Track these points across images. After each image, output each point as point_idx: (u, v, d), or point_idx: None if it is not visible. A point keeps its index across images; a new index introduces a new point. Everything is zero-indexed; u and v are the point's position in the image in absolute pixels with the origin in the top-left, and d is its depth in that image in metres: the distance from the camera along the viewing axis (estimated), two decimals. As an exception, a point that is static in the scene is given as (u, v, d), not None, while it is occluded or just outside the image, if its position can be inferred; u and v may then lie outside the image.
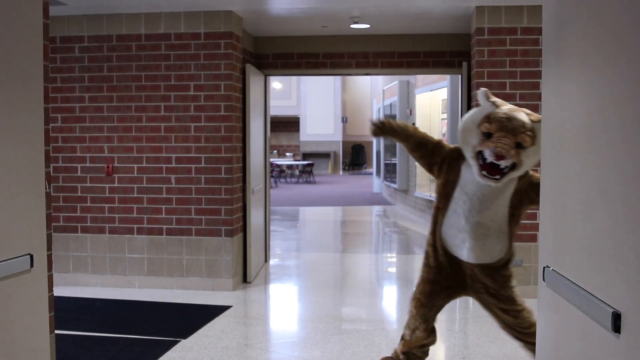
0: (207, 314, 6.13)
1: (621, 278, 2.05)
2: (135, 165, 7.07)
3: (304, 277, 8.30)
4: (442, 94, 11.64)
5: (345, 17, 7.19)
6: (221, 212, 6.97)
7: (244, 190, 7.39)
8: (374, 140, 20.16)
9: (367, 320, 6.26)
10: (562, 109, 2.73)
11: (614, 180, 2.13)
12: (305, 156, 28.78)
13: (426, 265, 4.30)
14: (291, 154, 28.97)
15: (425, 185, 12.76)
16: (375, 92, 24.49)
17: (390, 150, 15.96)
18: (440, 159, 4.17)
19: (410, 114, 13.86)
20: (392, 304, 7.21)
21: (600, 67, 2.31)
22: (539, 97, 6.44)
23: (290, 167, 25.91)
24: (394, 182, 15.27)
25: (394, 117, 15.01)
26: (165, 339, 5.39)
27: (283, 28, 7.84)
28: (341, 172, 29.78)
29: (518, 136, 3.81)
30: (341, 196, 19.17)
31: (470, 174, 3.99)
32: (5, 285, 2.90)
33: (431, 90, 12.27)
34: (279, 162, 25.32)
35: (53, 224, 3.43)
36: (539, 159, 3.64)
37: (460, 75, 7.64)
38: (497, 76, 6.61)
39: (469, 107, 7.17)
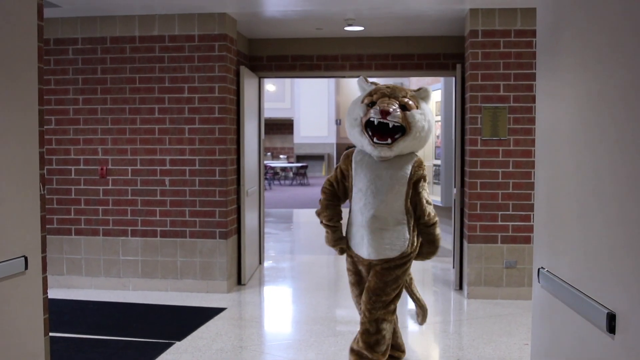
0: (201, 316, 6.13)
1: (616, 279, 2.06)
2: (130, 168, 7.06)
3: (298, 279, 8.29)
4: (436, 96, 11.65)
5: (339, 20, 7.19)
6: (215, 214, 6.96)
7: (238, 192, 7.38)
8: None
9: (359, 323, 6.25)
10: (557, 110, 2.74)
11: (608, 181, 2.14)
12: (299, 158, 28.76)
13: (347, 269, 4.54)
14: (285, 156, 28.95)
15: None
16: (369, 94, 24.46)
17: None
18: (340, 173, 4.33)
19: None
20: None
21: (594, 68, 2.32)
22: (532, 99, 6.46)
23: (284, 169, 25.90)
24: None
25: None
26: (160, 341, 5.37)
27: (277, 30, 7.84)
28: (335, 175, 29.71)
29: (400, 99, 4.01)
30: (335, 198, 19.12)
31: (360, 169, 4.14)
32: (-1, 288, 2.89)
33: (425, 93, 12.27)
34: (273, 165, 25.30)
35: (47, 226, 3.42)
36: (427, 129, 4.07)
37: (454, 78, 7.66)
38: (491, 78, 6.63)
39: (463, 110, 7.19)
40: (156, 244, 7.06)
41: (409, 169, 4.10)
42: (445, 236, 10.80)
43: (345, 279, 8.47)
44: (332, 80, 27.83)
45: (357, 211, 4.16)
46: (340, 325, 6.15)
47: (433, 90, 11.65)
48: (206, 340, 5.43)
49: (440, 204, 11.03)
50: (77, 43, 7.09)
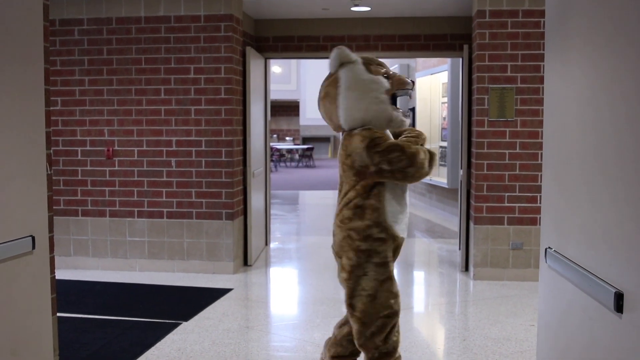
0: (208, 296, 6.15)
1: (623, 258, 2.05)
2: (136, 149, 7.06)
3: (304, 260, 8.31)
4: (443, 77, 11.60)
5: (346, 0, 7.14)
6: (222, 195, 6.97)
7: (244, 173, 7.38)
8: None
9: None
10: (565, 89, 2.72)
11: (616, 161, 2.12)
12: (305, 140, 28.75)
13: (390, 260, 3.79)
14: (291, 138, 28.93)
15: (426, 169, 12.72)
16: (375, 76, 24.40)
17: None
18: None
19: (410, 98, 13.81)
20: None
21: (603, 48, 2.30)
22: (540, 80, 6.42)
23: (290, 151, 25.89)
24: (394, 166, 15.22)
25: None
26: (167, 321, 5.40)
27: (283, 10, 7.80)
28: (341, 157, 29.71)
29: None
30: (341, 180, 19.15)
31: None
32: (7, 267, 2.90)
33: (432, 74, 12.22)
34: (279, 147, 25.28)
35: (54, 207, 3.43)
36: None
37: (461, 59, 7.61)
38: (498, 59, 6.58)
39: (469, 91, 7.15)
40: (163, 225, 7.08)
41: None
42: (452, 217, 10.80)
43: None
44: (338, 61, 27.65)
45: (400, 194, 3.62)
46: (344, 306, 6.16)
47: (440, 72, 11.65)
48: (213, 320, 5.45)
49: (446, 186, 11.01)
50: (82, 24, 7.07)
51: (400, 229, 3.63)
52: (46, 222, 3.20)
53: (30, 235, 3.04)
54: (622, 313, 2.04)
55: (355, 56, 3.63)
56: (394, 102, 3.62)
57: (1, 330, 2.88)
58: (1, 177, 2.86)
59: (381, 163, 3.43)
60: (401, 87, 3.60)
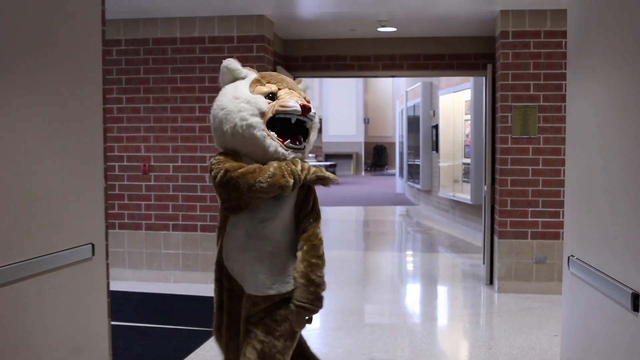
0: (240, 306, 6.38)
1: (638, 262, 2.27)
2: (171, 164, 7.35)
3: (330, 273, 8.50)
4: (466, 95, 11.81)
5: (372, 21, 7.41)
6: (253, 209, 7.20)
7: (274, 188, 7.61)
8: (397, 142, 20.33)
9: (391, 315, 6.47)
10: (587, 107, 2.94)
11: (634, 176, 2.34)
12: (328, 157, 29.00)
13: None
14: (314, 155, 29.20)
15: (449, 186, 12.93)
16: (397, 93, 24.65)
17: (413, 151, 16.14)
18: None
19: (434, 115, 14.04)
20: (417, 300, 7.40)
21: (623, 67, 2.51)
22: (562, 98, 6.62)
23: (312, 167, 26.10)
24: (417, 183, 15.45)
25: (417, 118, 15.20)
26: (204, 329, 5.63)
27: (312, 31, 8.08)
28: (363, 173, 29.97)
29: (299, 91, 3.06)
30: (364, 196, 19.39)
31: None
32: (70, 271, 3.16)
33: (454, 92, 12.44)
34: (302, 163, 25.50)
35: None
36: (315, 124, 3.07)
37: (484, 77, 7.83)
38: (521, 78, 6.80)
39: (493, 109, 7.36)
40: (196, 238, 7.34)
41: None
42: (475, 233, 10.97)
43: (373, 274, 8.76)
44: (360, 79, 27.97)
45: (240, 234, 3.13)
46: (372, 316, 6.39)
47: (463, 90, 11.87)
48: (247, 328, 5.68)
49: (469, 202, 11.19)
50: (120, 44, 7.39)
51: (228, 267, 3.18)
52: (103, 231, 3.47)
53: (90, 243, 3.31)
54: (638, 312, 2.25)
55: (246, 72, 3.06)
56: (279, 127, 2.93)
57: (66, 328, 3.14)
58: (67, 189, 3.13)
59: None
60: (281, 110, 2.89)
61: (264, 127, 2.88)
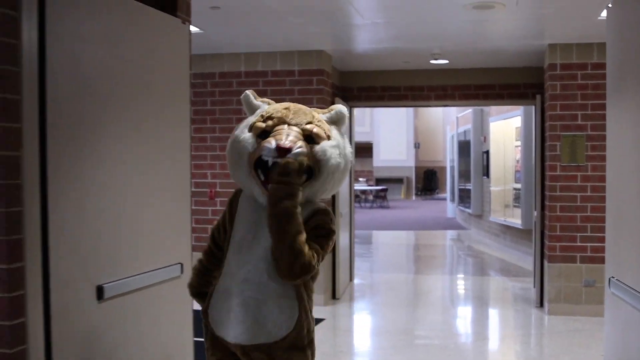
0: (301, 324, 6.77)
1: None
2: (233, 190, 7.78)
3: (384, 295, 8.86)
4: (516, 122, 12.04)
5: (425, 54, 7.78)
6: (312, 233, 7.59)
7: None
8: (448, 166, 20.54)
9: (442, 335, 6.76)
10: (625, 136, 3.27)
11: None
12: (379, 181, 29.26)
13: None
14: (365, 179, 29.50)
15: (500, 211, 13.13)
16: (447, 118, 24.88)
17: (464, 176, 16.37)
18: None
19: (485, 141, 14.29)
20: (467, 321, 7.67)
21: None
22: (609, 128, 6.87)
23: (364, 192, 26.46)
24: (468, 207, 15.65)
25: (467, 143, 15.45)
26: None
27: (367, 64, 8.49)
28: (414, 197, 30.15)
29: (305, 127, 2.68)
30: (415, 221, 19.62)
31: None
32: (161, 289, 3.57)
33: (505, 119, 12.68)
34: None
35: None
36: (344, 167, 2.74)
37: (533, 107, 8.12)
38: (569, 108, 7.08)
39: (542, 137, 7.65)
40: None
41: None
42: (525, 257, 11.17)
43: (424, 296, 9.06)
44: (411, 104, 28.10)
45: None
46: (423, 337, 6.70)
47: (513, 117, 12.13)
48: (308, 345, 6.08)
49: (520, 227, 11.40)
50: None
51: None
52: (190, 252, 3.90)
53: (179, 263, 3.73)
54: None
55: (259, 104, 2.87)
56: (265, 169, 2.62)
57: (157, 339, 3.55)
58: (160, 212, 3.57)
59: None
60: (258, 152, 2.62)
61: (249, 168, 2.66)
